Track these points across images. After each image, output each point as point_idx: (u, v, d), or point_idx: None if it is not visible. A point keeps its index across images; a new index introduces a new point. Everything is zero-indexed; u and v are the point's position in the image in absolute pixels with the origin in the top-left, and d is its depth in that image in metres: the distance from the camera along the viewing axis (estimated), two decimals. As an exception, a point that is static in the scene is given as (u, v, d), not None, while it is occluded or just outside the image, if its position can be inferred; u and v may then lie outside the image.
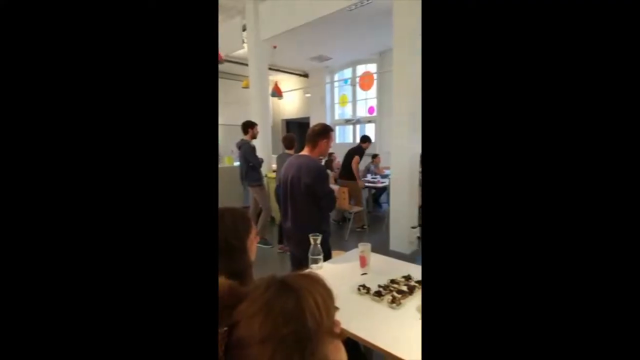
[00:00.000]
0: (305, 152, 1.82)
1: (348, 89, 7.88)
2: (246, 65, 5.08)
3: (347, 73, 7.80)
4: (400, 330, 1.05)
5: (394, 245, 3.42)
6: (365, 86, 5.99)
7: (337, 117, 8.23)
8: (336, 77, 8.04)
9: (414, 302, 1.20)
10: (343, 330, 0.57)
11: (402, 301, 1.19)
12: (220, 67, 5.72)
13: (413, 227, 3.38)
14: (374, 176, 5.14)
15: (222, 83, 6.82)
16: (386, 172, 5.10)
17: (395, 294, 1.23)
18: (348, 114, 7.99)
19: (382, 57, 6.59)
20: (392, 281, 1.36)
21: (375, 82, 6.68)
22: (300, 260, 1.69)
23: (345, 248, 1.91)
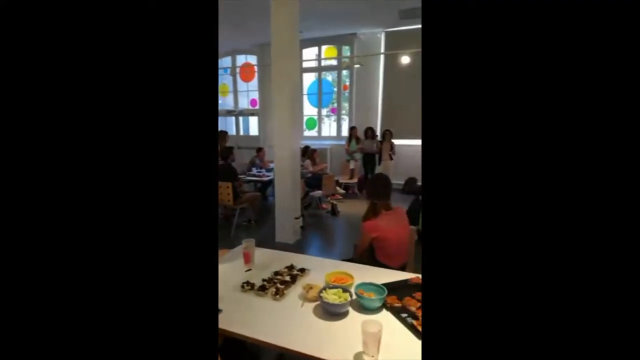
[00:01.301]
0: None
1: (228, 78, 7.50)
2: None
3: (227, 62, 7.41)
4: (285, 320, 1.10)
5: (279, 237, 3.52)
6: (246, 77, 5.85)
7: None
8: (214, 65, 7.53)
9: (297, 290, 1.27)
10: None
11: (285, 292, 1.25)
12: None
13: (296, 218, 3.55)
14: (259, 170, 5.11)
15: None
16: (271, 165, 5.15)
17: (279, 285, 1.27)
18: (230, 104, 7.64)
19: (263, 50, 6.54)
20: (276, 273, 1.40)
21: (256, 74, 6.59)
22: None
23: (231, 245, 1.85)
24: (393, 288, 1.22)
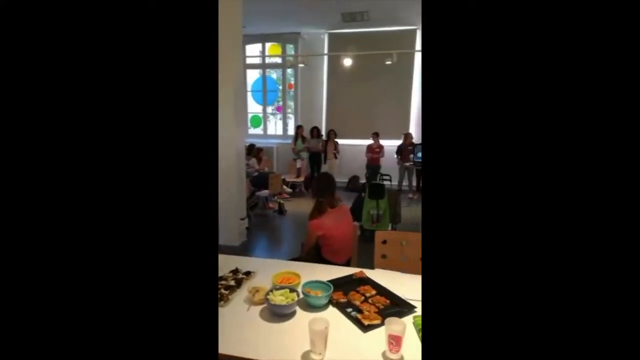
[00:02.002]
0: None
1: (163, 71, 6.93)
2: None
3: (162, 52, 6.84)
4: (231, 327, 1.05)
5: (223, 239, 3.37)
6: (184, 71, 5.46)
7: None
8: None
9: (242, 295, 1.23)
10: None
11: (230, 297, 1.20)
12: None
13: (242, 219, 3.44)
14: (199, 169, 4.84)
15: None
16: (213, 164, 4.91)
17: (222, 291, 1.22)
18: (165, 99, 7.07)
19: (202, 42, 6.18)
20: (220, 278, 1.34)
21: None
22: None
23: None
24: (339, 284, 1.26)
